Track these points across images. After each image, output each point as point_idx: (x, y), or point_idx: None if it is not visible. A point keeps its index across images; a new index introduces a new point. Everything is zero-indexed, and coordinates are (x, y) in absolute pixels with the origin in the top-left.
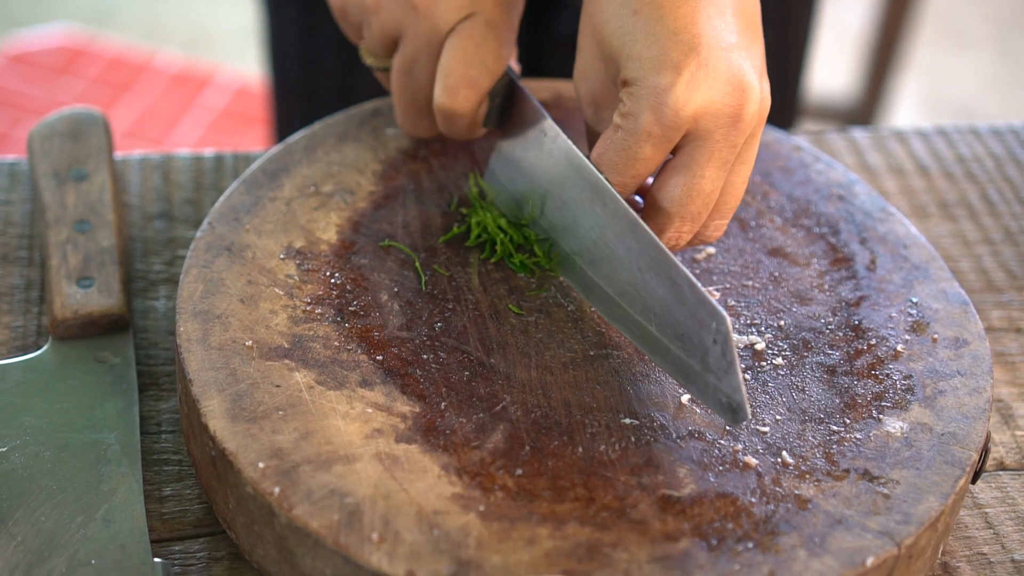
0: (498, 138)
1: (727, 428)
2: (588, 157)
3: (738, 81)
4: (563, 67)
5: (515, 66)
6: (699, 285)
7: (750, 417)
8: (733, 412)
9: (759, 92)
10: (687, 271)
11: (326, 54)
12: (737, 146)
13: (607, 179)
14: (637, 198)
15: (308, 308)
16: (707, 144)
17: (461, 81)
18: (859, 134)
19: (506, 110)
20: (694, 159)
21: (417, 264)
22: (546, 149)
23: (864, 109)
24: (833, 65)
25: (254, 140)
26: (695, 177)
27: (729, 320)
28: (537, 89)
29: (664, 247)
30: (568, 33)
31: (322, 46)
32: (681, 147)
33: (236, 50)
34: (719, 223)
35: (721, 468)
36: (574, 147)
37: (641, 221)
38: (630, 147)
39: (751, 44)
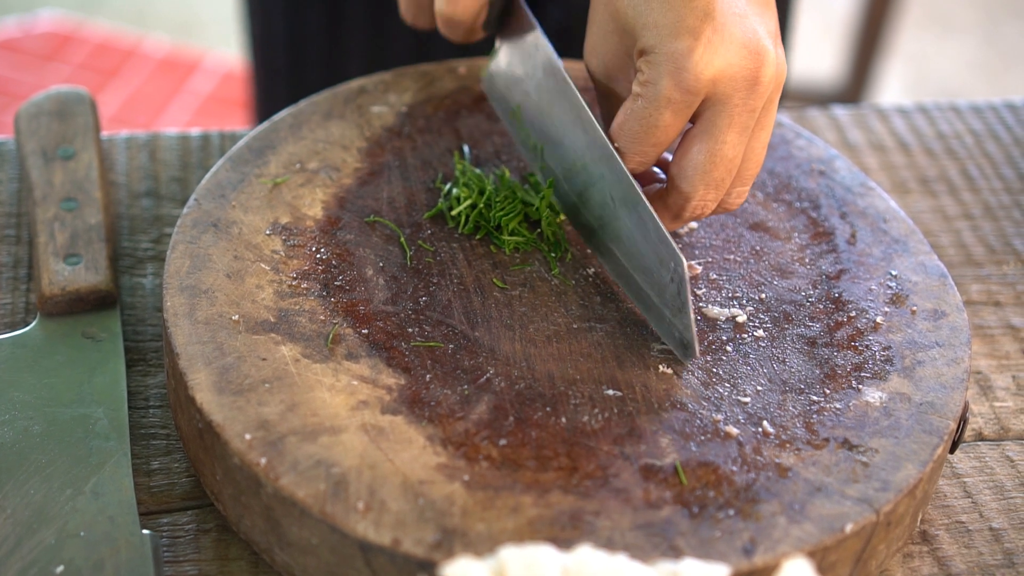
0: (496, 44)
1: (708, 399)
2: (604, 131)
3: (754, 45)
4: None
5: None
6: (662, 225)
7: (698, 355)
8: (684, 347)
9: (775, 56)
10: (652, 209)
11: (312, 38)
12: (756, 110)
13: (628, 149)
14: (657, 171)
15: (294, 283)
16: (727, 109)
17: None
18: (840, 111)
19: (504, 18)
20: (715, 124)
21: (402, 239)
22: (535, 62)
23: (850, 93)
24: (819, 49)
25: (241, 125)
26: (717, 143)
27: (685, 263)
28: None
29: (635, 182)
30: (559, 24)
31: (308, 30)
32: (700, 114)
33: (223, 36)
34: (741, 190)
35: (703, 438)
36: (560, 66)
37: (615, 152)
38: (650, 115)
39: (763, 11)
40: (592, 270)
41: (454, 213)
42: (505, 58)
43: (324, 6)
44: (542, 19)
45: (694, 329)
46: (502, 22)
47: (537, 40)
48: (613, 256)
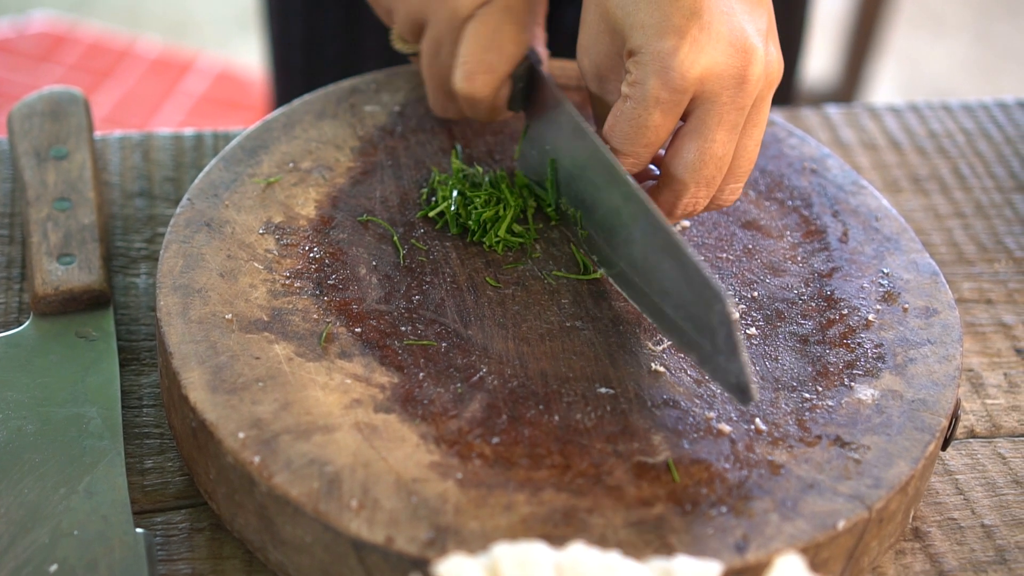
0: (525, 122)
1: (701, 397)
2: (596, 133)
3: (741, 43)
4: (571, 59)
5: (542, 50)
6: (704, 267)
7: (758, 399)
8: (741, 392)
9: (763, 54)
10: (694, 253)
11: (330, 39)
12: (745, 108)
13: (619, 150)
14: (652, 168)
15: (287, 282)
16: (715, 107)
17: (478, 67)
18: (832, 110)
19: (530, 94)
20: (704, 123)
21: (395, 238)
22: (563, 130)
23: (843, 92)
24: (812, 48)
25: (235, 125)
26: (706, 141)
27: (729, 302)
28: None
29: (673, 230)
30: (575, 27)
31: (326, 31)
32: (690, 112)
33: (216, 36)
34: (734, 186)
35: (695, 435)
36: (590, 131)
37: (653, 205)
38: (640, 115)
39: (754, 8)
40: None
41: (431, 215)
42: (534, 134)
43: (342, 7)
44: (558, 25)
45: (748, 371)
46: (528, 99)
47: (565, 110)
48: (662, 312)
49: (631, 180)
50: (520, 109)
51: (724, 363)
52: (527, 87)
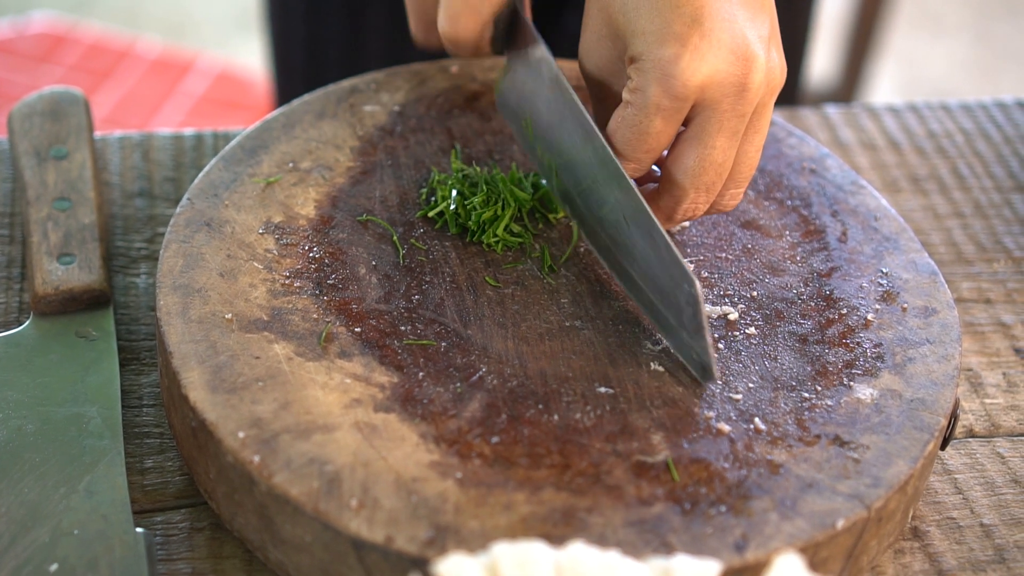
0: (506, 62)
1: (700, 397)
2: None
3: (742, 51)
4: (573, 58)
5: None
6: (673, 246)
7: (718, 379)
8: (703, 370)
9: (764, 61)
10: (663, 230)
11: (332, 42)
12: (746, 115)
13: (621, 155)
14: (654, 169)
15: (287, 281)
16: (716, 114)
17: (462, 9)
18: (832, 110)
19: (511, 36)
20: (704, 130)
21: (395, 238)
22: (542, 79)
23: (842, 92)
24: (811, 48)
25: (235, 125)
26: (706, 148)
27: (699, 284)
28: None
29: (644, 202)
30: (575, 32)
31: (328, 34)
32: (692, 118)
33: (216, 36)
34: (735, 191)
35: (695, 435)
36: (567, 85)
37: (624, 172)
38: (641, 122)
39: (756, 14)
40: (584, 267)
41: (431, 215)
42: (514, 74)
43: (345, 9)
44: (559, 28)
45: (711, 352)
46: (509, 38)
47: (542, 56)
48: (630, 276)
49: (607, 144)
50: (502, 51)
51: (688, 339)
52: (509, 29)
